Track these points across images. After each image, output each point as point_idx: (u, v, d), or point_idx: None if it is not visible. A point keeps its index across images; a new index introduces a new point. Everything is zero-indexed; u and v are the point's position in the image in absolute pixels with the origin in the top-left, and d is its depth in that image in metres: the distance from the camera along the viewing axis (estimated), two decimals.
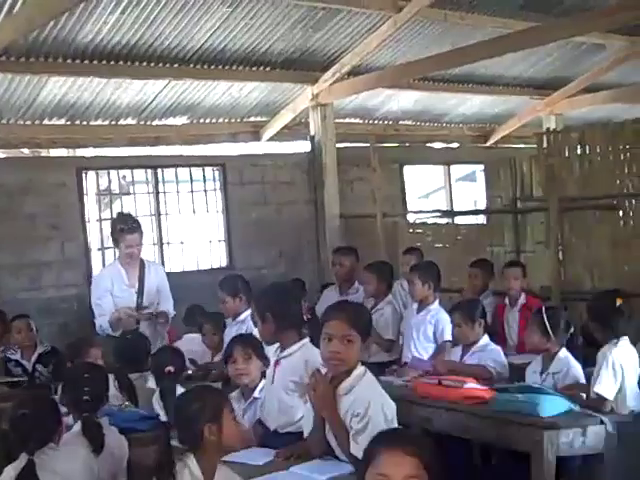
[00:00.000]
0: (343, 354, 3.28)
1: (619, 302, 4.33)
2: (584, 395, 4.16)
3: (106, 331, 5.71)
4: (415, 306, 5.56)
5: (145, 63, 7.73)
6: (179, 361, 4.54)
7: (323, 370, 3.45)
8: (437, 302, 5.52)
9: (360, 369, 3.34)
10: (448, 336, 5.30)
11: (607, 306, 4.31)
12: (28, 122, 8.16)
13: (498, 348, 4.96)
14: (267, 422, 3.83)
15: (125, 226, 5.76)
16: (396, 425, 3.22)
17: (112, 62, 7.54)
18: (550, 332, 4.42)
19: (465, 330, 4.88)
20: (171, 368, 4.31)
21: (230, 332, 5.19)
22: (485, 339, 4.94)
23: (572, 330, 4.52)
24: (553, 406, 3.90)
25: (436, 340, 5.39)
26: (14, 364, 5.85)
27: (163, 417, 4.04)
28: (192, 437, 3.00)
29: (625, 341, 4.20)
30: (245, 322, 5.24)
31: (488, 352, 4.85)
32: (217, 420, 3.01)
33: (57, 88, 7.70)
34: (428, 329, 5.39)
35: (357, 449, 3.13)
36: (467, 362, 4.86)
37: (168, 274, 8.66)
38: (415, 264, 5.87)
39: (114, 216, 6.43)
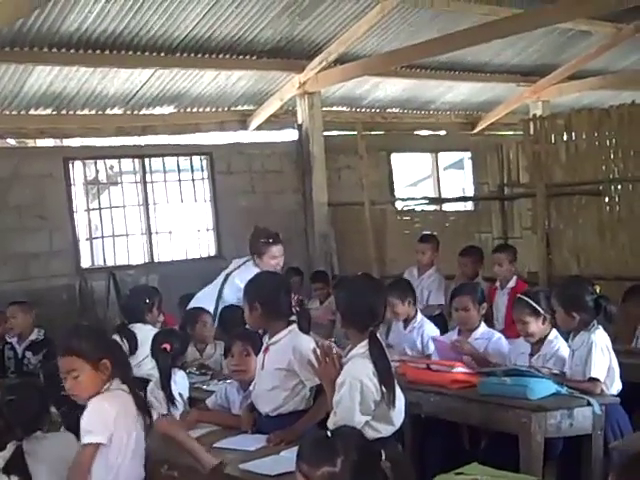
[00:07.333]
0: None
1: (598, 288, 4.32)
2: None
3: None
4: (401, 324, 5.48)
5: (131, 52, 7.73)
6: (177, 341, 4.29)
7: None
8: (419, 315, 5.49)
9: (363, 347, 3.30)
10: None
11: (585, 293, 4.23)
12: (14, 112, 8.14)
13: (501, 336, 4.92)
14: (258, 406, 3.85)
15: (269, 238, 5.83)
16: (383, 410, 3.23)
17: (98, 51, 7.53)
18: (543, 312, 4.41)
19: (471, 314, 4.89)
20: (167, 345, 4.16)
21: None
22: (484, 326, 4.93)
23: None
24: (541, 389, 3.92)
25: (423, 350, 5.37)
26: (9, 347, 5.99)
27: (161, 408, 3.96)
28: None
29: (599, 326, 4.20)
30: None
31: (494, 342, 4.81)
32: None
33: (43, 77, 7.68)
34: (417, 343, 5.36)
35: (331, 421, 3.19)
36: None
37: (157, 264, 8.80)
38: (389, 283, 5.63)
39: (253, 230, 6.28)
